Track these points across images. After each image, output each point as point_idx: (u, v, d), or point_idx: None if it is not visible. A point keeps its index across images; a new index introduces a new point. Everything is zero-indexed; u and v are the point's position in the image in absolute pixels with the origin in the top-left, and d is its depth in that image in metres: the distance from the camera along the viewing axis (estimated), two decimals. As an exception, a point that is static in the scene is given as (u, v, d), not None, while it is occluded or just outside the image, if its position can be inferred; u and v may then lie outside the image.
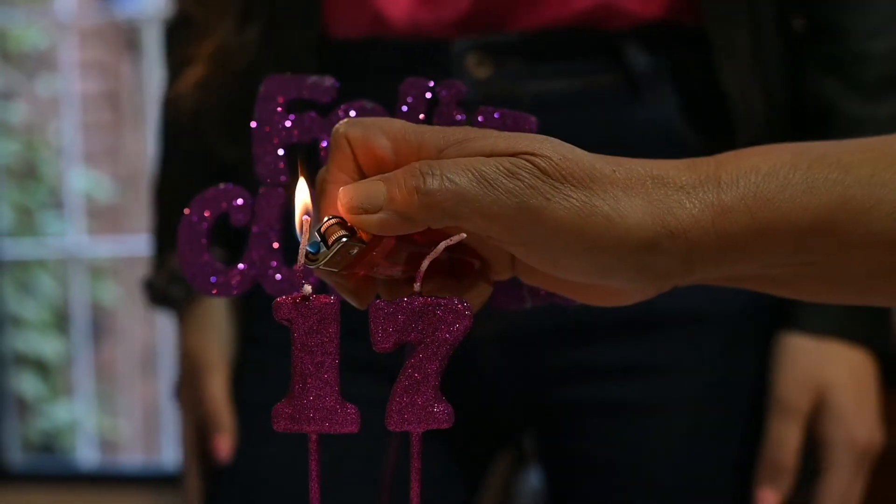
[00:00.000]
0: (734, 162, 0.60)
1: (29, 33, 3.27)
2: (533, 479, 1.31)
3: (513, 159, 0.58)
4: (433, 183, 0.58)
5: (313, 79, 0.71)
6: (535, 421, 1.17)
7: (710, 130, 1.12)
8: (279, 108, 0.70)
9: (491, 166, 0.58)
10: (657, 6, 1.09)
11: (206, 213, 0.70)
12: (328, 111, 0.70)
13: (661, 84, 1.10)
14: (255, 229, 0.70)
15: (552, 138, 0.60)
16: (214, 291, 0.70)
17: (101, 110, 3.38)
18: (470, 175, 0.58)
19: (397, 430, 0.61)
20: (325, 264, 0.60)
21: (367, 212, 0.59)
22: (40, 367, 3.25)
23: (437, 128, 0.61)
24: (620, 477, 1.14)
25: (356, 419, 0.61)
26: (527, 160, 0.58)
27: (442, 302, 0.60)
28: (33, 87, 3.30)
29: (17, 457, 3.06)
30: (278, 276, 0.69)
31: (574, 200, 0.58)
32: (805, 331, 1.12)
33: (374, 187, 0.59)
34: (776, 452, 1.11)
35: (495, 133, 0.60)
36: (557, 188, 0.58)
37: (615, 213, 0.58)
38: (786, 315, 1.13)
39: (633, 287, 0.63)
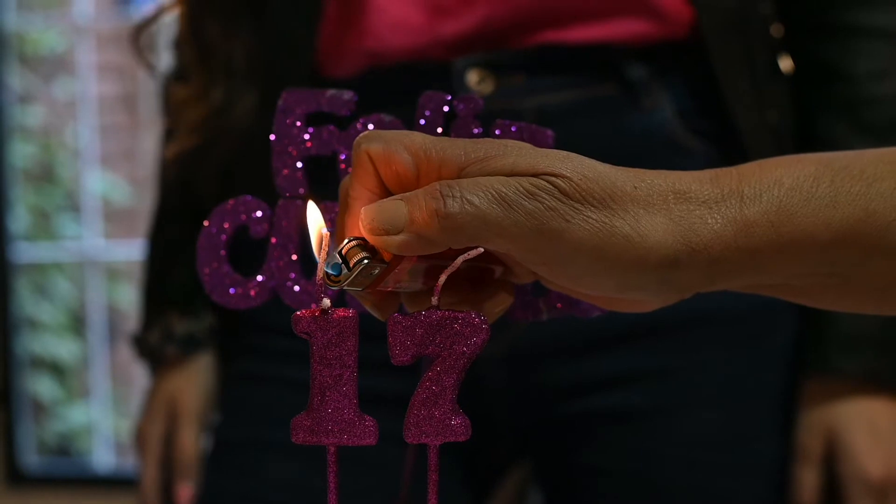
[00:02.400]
0: (757, 174, 0.60)
1: (46, 36, 3.28)
2: (538, 496, 1.32)
3: (533, 180, 0.58)
4: (453, 206, 0.58)
5: (332, 92, 0.71)
6: (543, 436, 1.17)
7: (709, 134, 1.13)
8: (298, 122, 0.70)
9: (511, 187, 0.58)
10: (656, 30, 1.10)
11: (226, 225, 0.70)
12: (347, 124, 0.71)
13: (660, 91, 1.11)
14: (273, 241, 0.70)
15: (574, 155, 0.60)
16: (233, 303, 0.70)
17: (117, 113, 3.39)
18: (490, 197, 0.58)
19: (415, 442, 0.61)
20: (347, 285, 0.60)
21: (388, 233, 0.59)
22: (56, 370, 3.27)
23: (458, 143, 0.61)
24: (632, 485, 1.14)
25: (374, 432, 0.61)
26: (547, 181, 0.58)
27: (460, 316, 0.61)
28: (50, 90, 3.32)
29: (32, 459, 3.07)
30: (297, 288, 0.70)
31: (594, 222, 0.58)
32: (816, 376, 1.15)
33: (396, 209, 0.59)
34: (798, 496, 1.15)
35: (516, 150, 0.60)
36: (577, 209, 0.58)
37: (635, 233, 0.58)
38: (800, 362, 1.16)
39: (655, 298, 0.63)
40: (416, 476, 0.72)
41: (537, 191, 0.58)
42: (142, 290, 1.32)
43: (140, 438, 1.31)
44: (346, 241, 0.60)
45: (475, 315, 0.61)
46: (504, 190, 0.58)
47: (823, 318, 1.13)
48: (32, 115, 3.29)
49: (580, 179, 0.58)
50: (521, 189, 0.58)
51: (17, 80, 3.20)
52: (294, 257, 0.70)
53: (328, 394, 0.60)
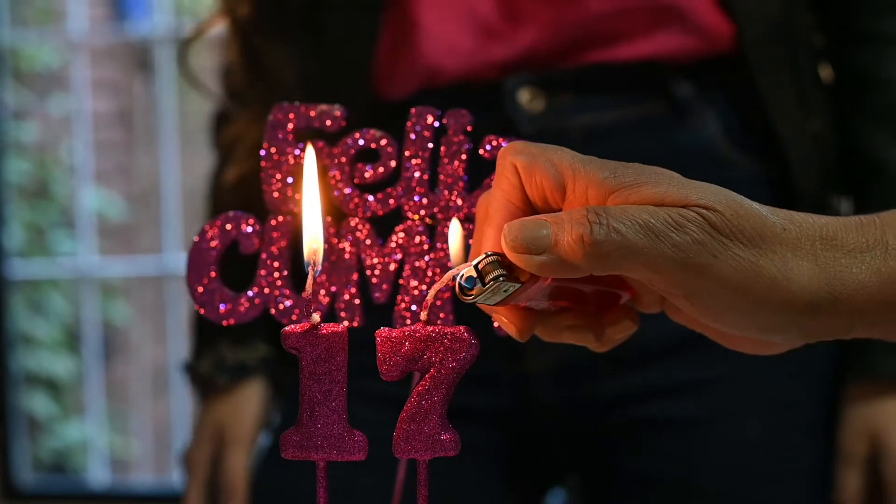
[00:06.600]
0: None
1: (41, 53, 3.28)
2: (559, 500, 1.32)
3: (683, 211, 0.57)
4: (600, 233, 0.56)
5: (323, 107, 0.71)
6: (591, 447, 1.18)
7: (755, 151, 1.14)
8: (289, 136, 0.71)
9: (659, 218, 0.57)
10: (697, 45, 1.11)
11: (216, 241, 0.70)
12: (337, 139, 0.71)
13: (705, 108, 1.13)
14: (264, 256, 0.70)
15: (725, 190, 0.59)
16: (224, 318, 0.70)
17: (112, 129, 3.39)
18: (637, 226, 0.56)
19: (404, 457, 0.61)
20: (480, 300, 0.60)
21: (530, 252, 0.58)
22: (51, 386, 3.26)
23: (608, 165, 0.60)
24: (678, 492, 1.15)
25: (364, 446, 0.61)
26: (697, 213, 0.57)
27: (448, 331, 0.61)
28: (45, 106, 3.32)
29: (28, 476, 3.06)
30: (287, 303, 0.70)
31: (742, 259, 0.57)
32: (861, 378, 1.16)
33: (540, 228, 0.58)
34: (841, 497, 1.16)
35: (667, 178, 0.59)
36: (726, 245, 0.57)
37: (781, 276, 0.57)
38: (844, 365, 1.16)
39: (786, 341, 0.63)
40: (408, 490, 0.72)
41: (686, 222, 0.57)
42: (193, 318, 1.33)
43: (188, 462, 1.32)
44: (483, 255, 0.60)
45: (464, 330, 0.61)
46: (652, 220, 0.57)
47: None
48: (27, 132, 3.29)
49: (732, 215, 0.57)
50: (669, 220, 0.57)
51: (11, 96, 3.20)
52: (284, 272, 0.70)
53: (318, 409, 0.60)
